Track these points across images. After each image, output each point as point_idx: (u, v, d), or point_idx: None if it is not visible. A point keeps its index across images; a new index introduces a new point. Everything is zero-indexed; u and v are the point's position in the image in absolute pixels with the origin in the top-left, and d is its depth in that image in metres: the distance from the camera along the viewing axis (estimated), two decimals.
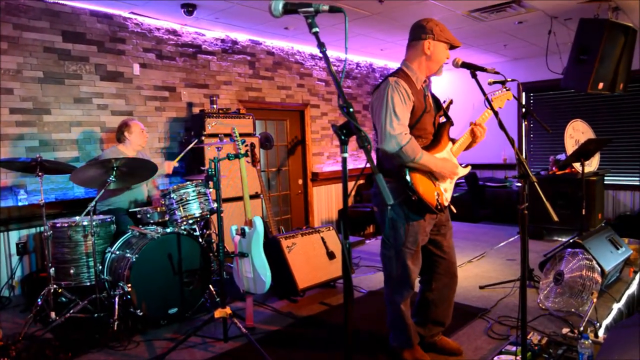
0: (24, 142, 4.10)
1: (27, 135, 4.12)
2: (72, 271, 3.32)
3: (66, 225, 3.32)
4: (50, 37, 4.26)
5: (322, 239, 3.92)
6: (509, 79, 2.67)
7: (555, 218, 1.74)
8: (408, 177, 2.25)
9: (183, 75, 5.29)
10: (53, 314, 3.18)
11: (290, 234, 3.74)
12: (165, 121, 5.13)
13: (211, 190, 3.67)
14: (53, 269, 3.28)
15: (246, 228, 3.04)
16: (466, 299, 3.55)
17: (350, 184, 7.60)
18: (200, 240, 3.54)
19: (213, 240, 4.06)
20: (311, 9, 1.41)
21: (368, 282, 4.12)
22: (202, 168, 4.43)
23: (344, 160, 1.36)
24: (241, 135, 4.79)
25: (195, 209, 3.52)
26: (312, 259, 3.74)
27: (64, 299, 3.39)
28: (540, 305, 3.23)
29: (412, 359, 2.52)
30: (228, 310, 2.83)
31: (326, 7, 1.42)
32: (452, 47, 2.47)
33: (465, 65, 2.44)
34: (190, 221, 3.53)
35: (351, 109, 1.32)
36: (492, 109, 2.29)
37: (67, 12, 4.37)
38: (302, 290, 3.56)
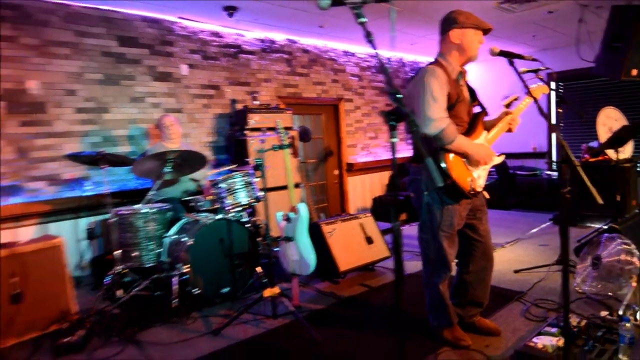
0: (88, 138, 4.28)
1: (91, 132, 4.29)
2: (135, 254, 3.43)
3: (129, 212, 3.44)
4: (107, 42, 4.40)
5: (361, 225, 3.92)
6: (542, 68, 2.59)
7: (600, 200, 1.68)
8: (443, 163, 2.22)
9: (226, 74, 5.36)
10: (119, 292, 3.32)
11: (330, 220, 3.76)
12: (212, 117, 5.23)
13: (257, 179, 3.73)
14: (119, 251, 3.41)
15: (291, 214, 3.08)
16: (501, 282, 3.48)
17: (385, 174, 7.57)
18: (247, 225, 3.60)
19: (260, 225, 4.12)
20: (358, 0, 1.39)
21: (405, 265, 4.10)
22: (247, 159, 4.50)
23: (393, 145, 1.34)
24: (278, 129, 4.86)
25: (242, 197, 3.58)
26: (351, 244, 3.75)
27: (128, 279, 3.53)
28: (577, 289, 3.13)
29: (451, 337, 2.51)
30: (277, 289, 2.89)
31: None
32: (484, 32, 2.42)
33: (502, 53, 2.36)
34: (238, 208, 3.59)
35: (399, 95, 1.31)
36: (533, 98, 2.22)
37: (121, 18, 4.50)
38: (342, 273, 3.58)
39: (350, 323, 2.93)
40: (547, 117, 1.99)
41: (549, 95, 7.40)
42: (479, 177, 2.39)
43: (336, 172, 6.83)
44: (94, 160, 3.41)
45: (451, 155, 2.27)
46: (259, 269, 3.57)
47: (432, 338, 2.57)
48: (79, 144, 4.21)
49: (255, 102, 5.12)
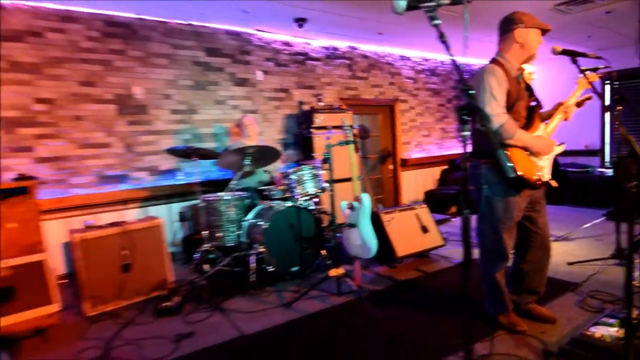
0: (181, 135, 4.56)
1: (183, 130, 4.57)
2: (219, 234, 3.62)
3: (214, 199, 3.64)
4: (196, 53, 4.65)
5: (417, 215, 3.86)
6: (601, 66, 2.41)
7: None
8: (507, 155, 2.13)
9: (295, 79, 5.47)
10: (206, 266, 3.53)
11: (389, 210, 3.74)
12: (282, 117, 5.36)
13: (322, 172, 3.78)
14: (206, 232, 3.62)
15: (355, 203, 3.10)
16: (556, 273, 3.28)
17: (437, 169, 7.36)
18: (314, 213, 3.67)
19: (327, 212, 4.18)
20: (433, 3, 1.37)
21: (458, 254, 3.98)
22: (313, 155, 4.57)
23: (464, 138, 1.31)
24: (340, 127, 4.87)
25: (310, 187, 3.65)
26: (408, 232, 3.70)
27: (213, 256, 3.74)
28: (636, 283, 2.87)
29: (507, 322, 2.41)
30: (341, 270, 2.93)
31: (447, 1, 1.38)
32: (543, 32, 2.29)
33: (565, 52, 2.23)
34: (306, 197, 3.67)
35: (471, 92, 1.29)
36: (596, 92, 2.06)
37: (208, 32, 4.73)
38: (399, 258, 3.55)
39: (407, 304, 2.90)
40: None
41: (603, 93, 6.82)
42: (543, 168, 2.27)
43: (391, 167, 6.75)
44: (187, 153, 3.63)
45: (513, 149, 2.18)
46: (323, 252, 3.64)
47: (487, 322, 2.49)
48: (172, 140, 4.50)
49: (320, 104, 5.18)
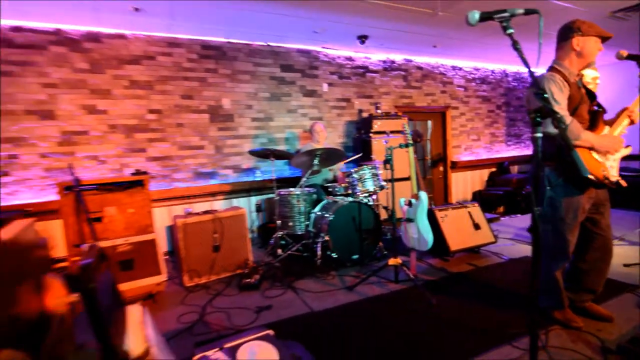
0: (259, 139, 4.73)
1: (261, 135, 4.74)
2: (290, 224, 3.71)
3: (287, 193, 3.73)
4: (272, 70, 4.79)
5: (469, 212, 3.65)
6: None
7: None
8: (575, 156, 1.94)
9: (355, 89, 5.44)
10: (279, 251, 3.63)
11: (443, 207, 3.58)
12: (343, 123, 5.36)
13: (381, 172, 3.72)
14: (279, 221, 3.72)
15: (412, 200, 3.01)
16: (612, 274, 2.88)
17: (485, 171, 6.93)
18: (373, 208, 3.63)
19: (388, 207, 4.11)
20: (506, 14, 1.28)
21: (508, 250, 3.71)
22: (371, 156, 4.51)
23: (536, 140, 1.21)
24: (397, 132, 4.75)
25: (370, 185, 3.62)
26: (460, 228, 3.52)
27: (284, 242, 3.83)
28: None
29: (562, 318, 2.20)
30: (399, 260, 2.85)
31: (521, 11, 1.28)
32: (604, 39, 2.04)
33: (631, 57, 1.98)
34: (366, 194, 3.64)
35: (545, 95, 1.18)
36: None
37: (283, 51, 4.85)
38: (452, 252, 3.39)
39: (460, 294, 2.76)
40: None
41: None
42: (611, 168, 2.04)
43: (441, 168, 6.47)
44: (266, 154, 3.75)
45: (578, 149, 1.97)
46: (380, 244, 3.58)
47: (541, 317, 2.29)
48: (252, 143, 4.69)
49: (377, 111, 5.10)
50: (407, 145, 2.89)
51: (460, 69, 6.53)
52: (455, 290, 2.84)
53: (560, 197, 2.04)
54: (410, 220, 2.99)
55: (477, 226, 3.60)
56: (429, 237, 2.89)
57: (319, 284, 3.08)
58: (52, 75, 3.71)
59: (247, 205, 4.62)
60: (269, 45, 4.71)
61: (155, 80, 4.14)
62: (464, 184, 6.64)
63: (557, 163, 1.99)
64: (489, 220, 4.00)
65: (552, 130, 1.94)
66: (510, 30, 1.25)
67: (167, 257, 4.07)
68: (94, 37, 3.87)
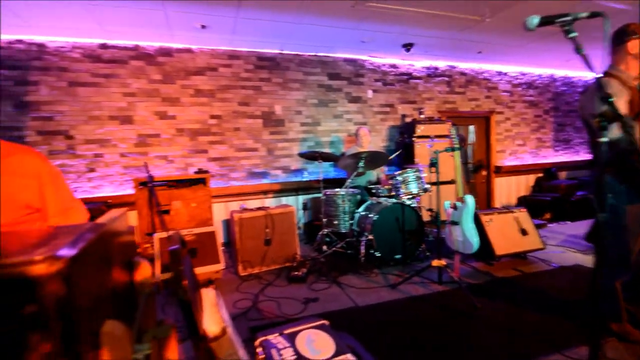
0: (307, 142, 4.78)
1: (309, 139, 4.79)
2: (335, 222, 3.70)
3: (332, 193, 3.73)
4: (321, 78, 4.83)
5: (516, 218, 3.41)
6: None
7: None
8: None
9: (399, 95, 5.32)
10: (324, 247, 3.63)
11: (488, 212, 3.38)
12: (386, 128, 5.26)
13: (424, 174, 3.60)
14: (324, 219, 3.73)
15: (458, 203, 2.87)
16: None
17: (531, 176, 6.46)
18: (416, 210, 3.52)
19: (433, 209, 3.97)
20: (569, 18, 1.17)
21: (558, 258, 3.41)
22: (415, 160, 4.38)
23: (603, 145, 1.09)
24: (440, 136, 4.56)
25: (413, 188, 3.51)
26: (506, 233, 3.30)
27: (328, 239, 3.83)
28: None
29: (619, 331, 1.97)
30: (443, 261, 2.73)
31: (585, 14, 1.17)
32: None
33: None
34: (409, 196, 3.54)
35: (610, 99, 1.06)
36: None
37: (330, 61, 4.87)
38: (498, 256, 3.18)
39: (506, 299, 2.58)
40: None
41: None
42: None
43: (484, 173, 6.12)
44: (314, 156, 3.78)
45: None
46: (423, 245, 3.45)
47: (597, 328, 2.07)
48: (300, 146, 4.75)
49: (421, 116, 4.94)
50: (453, 149, 2.76)
51: (505, 74, 6.15)
52: (501, 295, 2.65)
53: (623, 204, 1.83)
54: (455, 223, 2.85)
55: (524, 232, 3.35)
56: (474, 240, 2.73)
57: (362, 280, 3.03)
58: (131, 85, 4.03)
59: (294, 203, 4.68)
60: (316, 55, 4.75)
61: (217, 89, 4.35)
62: (507, 189, 6.23)
63: (617, 169, 1.79)
64: (536, 227, 3.71)
65: (613, 135, 1.75)
66: (573, 34, 1.14)
67: (223, 248, 4.23)
68: (166, 52, 4.15)
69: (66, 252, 0.53)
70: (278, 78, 4.60)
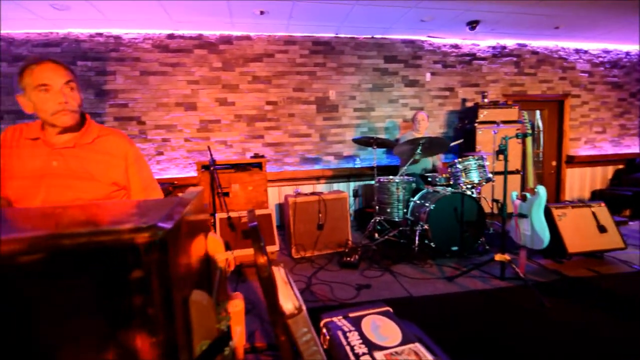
0: (360, 128, 4.70)
1: (362, 124, 4.70)
2: (388, 210, 3.61)
3: (386, 181, 3.63)
4: (376, 61, 4.67)
5: (593, 213, 3.05)
6: None
7: None
8: None
9: (460, 78, 4.97)
10: (376, 235, 3.58)
11: (560, 205, 3.06)
12: (445, 113, 4.97)
13: (487, 163, 3.35)
14: (377, 207, 3.66)
15: (528, 194, 2.63)
16: None
17: (609, 168, 5.75)
18: (477, 200, 3.30)
19: (499, 200, 3.72)
20: None
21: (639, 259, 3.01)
22: (477, 147, 4.09)
23: None
24: (507, 122, 4.19)
25: (474, 177, 3.29)
26: (581, 229, 2.96)
27: (380, 227, 3.76)
28: None
29: None
30: (507, 256, 2.54)
31: None
32: None
33: None
34: (469, 186, 3.33)
35: None
36: None
37: (387, 43, 4.68)
38: (570, 254, 2.88)
39: (578, 301, 2.33)
40: None
41: None
42: None
43: (554, 163, 5.54)
44: (369, 142, 3.69)
45: None
46: (482, 237, 3.25)
47: None
48: (353, 132, 4.68)
49: (484, 100, 4.58)
50: (525, 136, 2.51)
51: (585, 52, 5.43)
52: (573, 296, 2.41)
53: None
54: (523, 215, 2.62)
55: (602, 228, 2.99)
56: (544, 235, 2.49)
57: (416, 270, 2.94)
58: (195, 73, 4.24)
59: (345, 189, 4.66)
60: (373, 37, 4.59)
61: (273, 75, 4.41)
62: (580, 181, 5.59)
63: None
64: (618, 223, 3.29)
65: None
66: None
67: (277, 230, 4.37)
68: (227, 40, 4.28)
69: (165, 223, 0.56)
70: (332, 63, 4.54)
